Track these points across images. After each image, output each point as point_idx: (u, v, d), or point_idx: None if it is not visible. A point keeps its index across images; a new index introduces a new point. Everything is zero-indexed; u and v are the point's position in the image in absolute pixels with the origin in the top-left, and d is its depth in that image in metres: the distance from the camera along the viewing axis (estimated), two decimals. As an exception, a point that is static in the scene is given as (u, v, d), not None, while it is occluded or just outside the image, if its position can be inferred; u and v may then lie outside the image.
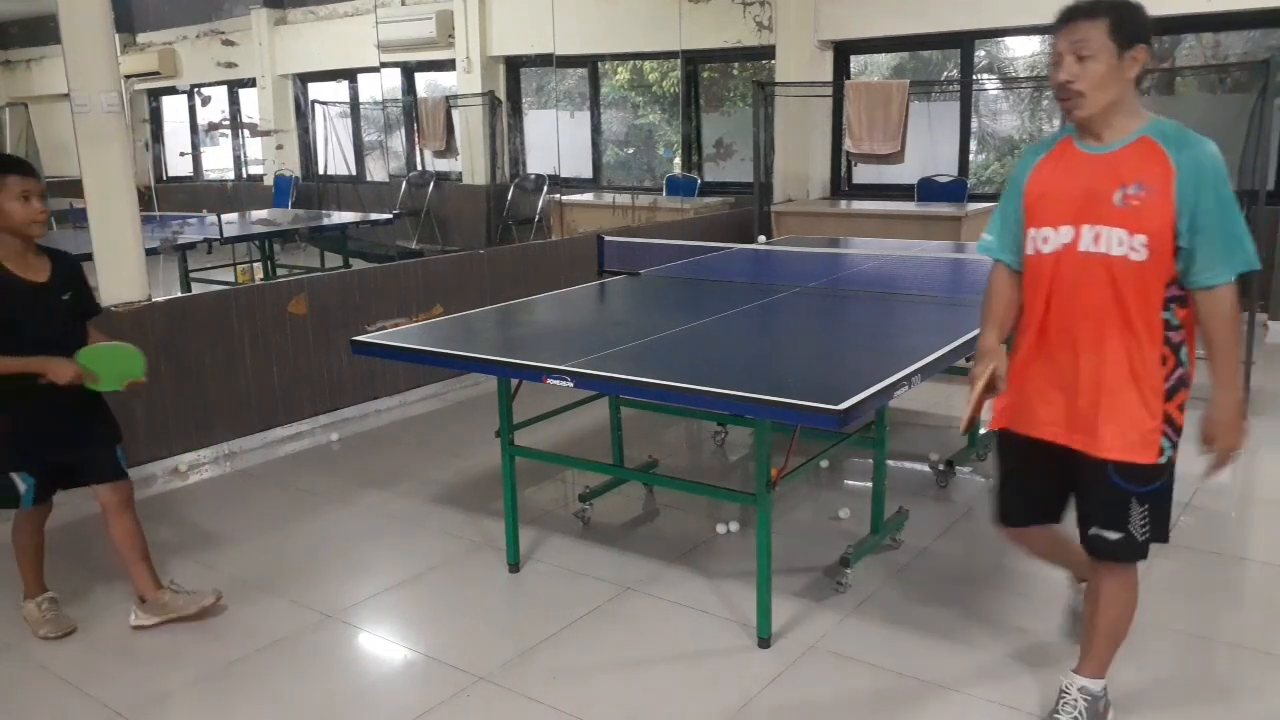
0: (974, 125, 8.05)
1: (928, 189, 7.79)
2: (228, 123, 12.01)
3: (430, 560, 3.59)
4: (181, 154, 12.33)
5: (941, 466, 4.17)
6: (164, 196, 9.98)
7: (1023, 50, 8.28)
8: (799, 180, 8.28)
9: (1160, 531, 2.29)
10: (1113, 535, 2.27)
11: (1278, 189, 6.61)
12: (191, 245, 7.15)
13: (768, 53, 8.36)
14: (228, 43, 11.42)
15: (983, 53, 8.11)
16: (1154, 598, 3.16)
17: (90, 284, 3.14)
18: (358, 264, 7.33)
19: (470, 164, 10.54)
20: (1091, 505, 2.31)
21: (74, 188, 4.31)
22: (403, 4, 10.56)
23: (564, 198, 9.27)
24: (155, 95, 12.10)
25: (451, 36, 10.17)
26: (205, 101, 11.93)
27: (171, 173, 12.45)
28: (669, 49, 9.03)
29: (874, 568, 3.39)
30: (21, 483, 2.92)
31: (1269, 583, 3.33)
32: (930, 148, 7.94)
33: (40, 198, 2.81)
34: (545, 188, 9.83)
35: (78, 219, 4.73)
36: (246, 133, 11.85)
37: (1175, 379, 2.21)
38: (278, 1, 11.11)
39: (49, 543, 3.11)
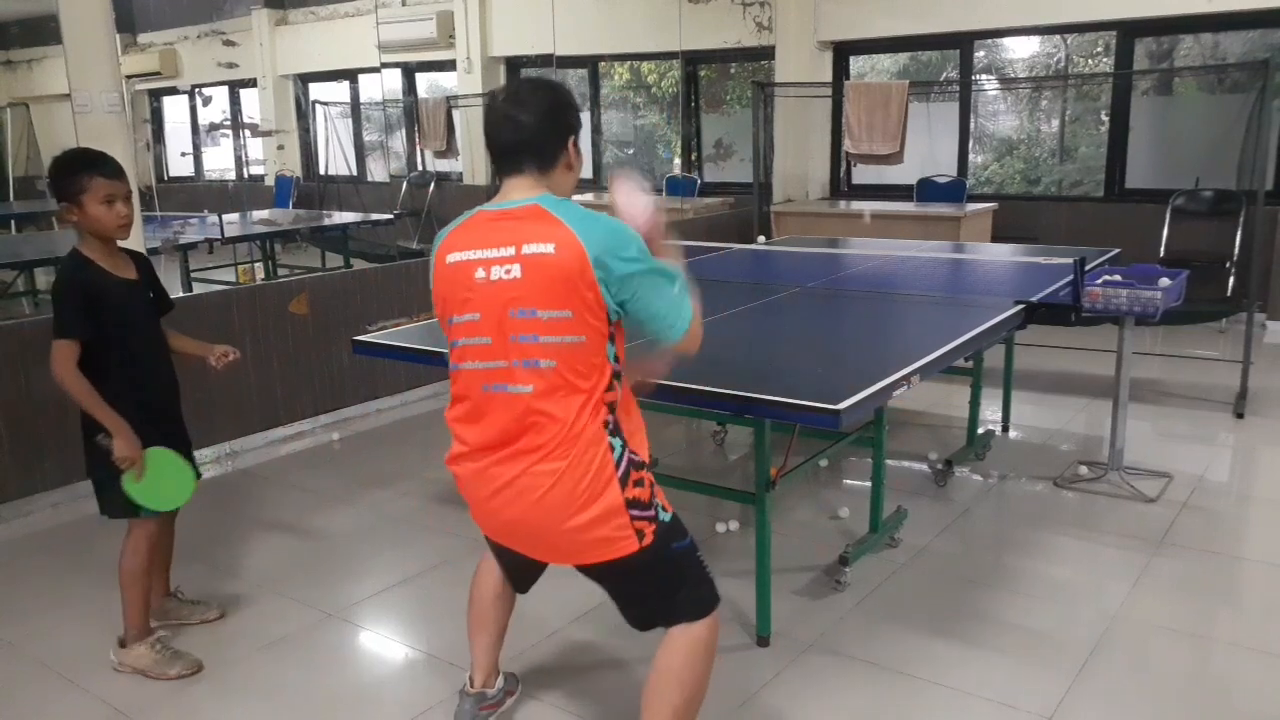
0: (973, 126, 8.06)
1: (927, 189, 7.81)
2: (228, 123, 12.02)
3: (431, 559, 3.60)
4: (182, 154, 12.35)
5: (940, 466, 4.18)
6: (165, 196, 10.01)
7: (1022, 51, 8.30)
8: (799, 180, 8.29)
9: None
10: None
11: (1277, 189, 6.63)
12: (193, 245, 7.15)
13: (767, 53, 8.37)
14: (229, 43, 11.42)
15: (982, 53, 8.13)
16: (1154, 597, 3.18)
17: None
18: (359, 264, 7.34)
19: (471, 164, 10.55)
20: None
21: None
22: (403, 4, 10.57)
23: (564, 198, 9.26)
24: (156, 95, 12.11)
25: (452, 37, 10.18)
26: (206, 102, 11.94)
27: (173, 173, 12.47)
28: (669, 49, 9.03)
29: (873, 566, 3.40)
30: None
31: (1269, 583, 3.34)
32: (929, 148, 7.96)
33: (125, 200, 2.69)
34: (545, 188, 9.81)
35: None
36: (247, 133, 11.86)
37: None
38: (278, 2, 11.12)
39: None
